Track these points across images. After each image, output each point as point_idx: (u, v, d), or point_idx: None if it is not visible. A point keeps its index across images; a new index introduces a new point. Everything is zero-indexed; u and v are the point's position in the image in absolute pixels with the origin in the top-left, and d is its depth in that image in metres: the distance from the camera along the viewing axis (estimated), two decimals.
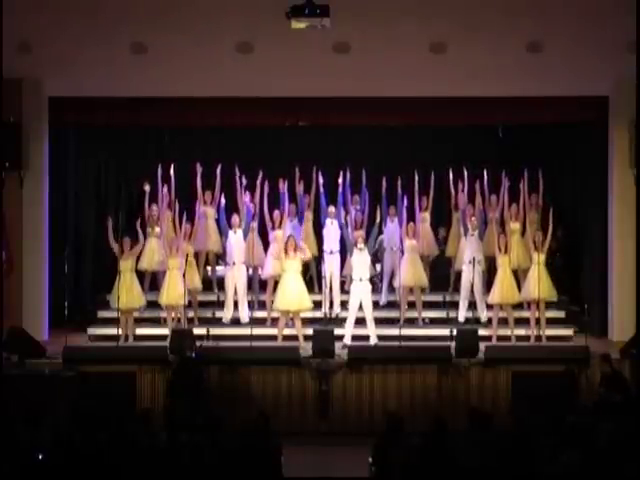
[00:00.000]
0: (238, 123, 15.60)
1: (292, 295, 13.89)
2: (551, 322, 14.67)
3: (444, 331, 14.26)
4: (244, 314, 14.67)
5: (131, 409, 11.86)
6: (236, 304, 14.78)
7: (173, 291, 14.06)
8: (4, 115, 12.89)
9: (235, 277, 14.72)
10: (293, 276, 13.95)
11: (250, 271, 15.01)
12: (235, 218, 14.92)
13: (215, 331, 14.32)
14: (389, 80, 14.28)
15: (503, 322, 14.26)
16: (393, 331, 13.92)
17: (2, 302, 12.28)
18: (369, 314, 13.95)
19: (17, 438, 8.13)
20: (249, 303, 14.80)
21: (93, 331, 14.58)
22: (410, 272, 14.55)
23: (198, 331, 13.86)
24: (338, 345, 13.45)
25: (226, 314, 14.75)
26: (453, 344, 13.41)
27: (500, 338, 14.13)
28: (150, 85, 14.44)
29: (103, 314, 15.03)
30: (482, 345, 13.28)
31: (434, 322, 14.96)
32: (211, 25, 13.35)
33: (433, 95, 14.75)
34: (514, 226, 14.95)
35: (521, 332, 14.21)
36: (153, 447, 8.38)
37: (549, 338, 14.19)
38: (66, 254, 14.91)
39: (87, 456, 8.00)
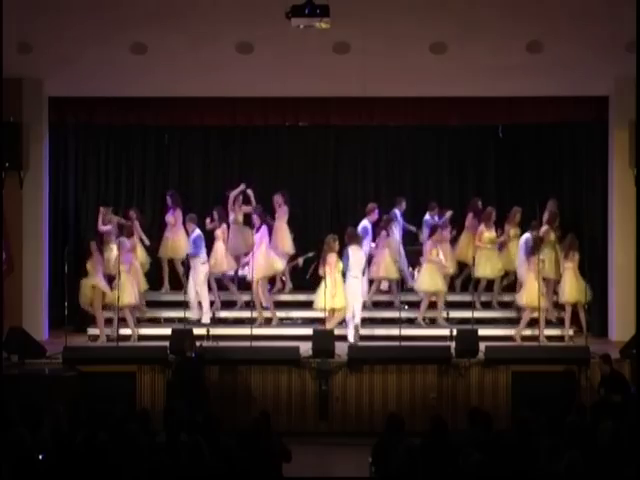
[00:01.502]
0: (238, 123, 15.61)
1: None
2: (551, 322, 14.71)
3: (444, 331, 14.26)
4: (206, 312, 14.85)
5: (131, 409, 11.84)
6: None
7: (121, 292, 14.14)
8: (4, 115, 12.88)
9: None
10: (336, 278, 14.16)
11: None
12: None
13: (215, 331, 14.33)
14: (389, 80, 14.28)
15: (501, 322, 14.30)
16: (393, 331, 13.93)
17: (2, 302, 12.28)
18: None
19: (17, 438, 8.11)
20: (247, 303, 14.88)
21: (93, 331, 14.58)
22: (427, 278, 14.72)
23: (198, 331, 13.85)
24: (339, 345, 13.44)
25: (202, 315, 14.83)
26: (453, 344, 13.41)
27: (525, 338, 14.24)
28: (150, 85, 14.46)
29: (103, 314, 15.03)
30: (482, 345, 13.27)
31: (434, 322, 14.97)
32: (211, 25, 13.35)
33: (433, 95, 14.77)
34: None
35: (549, 333, 14.29)
36: (153, 447, 8.38)
37: (549, 338, 14.21)
38: (66, 254, 14.89)
39: (87, 456, 7.99)
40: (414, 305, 15.32)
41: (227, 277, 15.51)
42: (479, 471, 7.63)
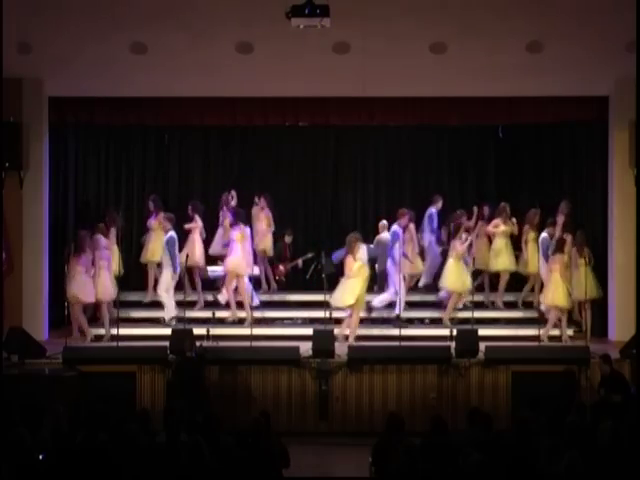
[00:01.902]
0: (238, 123, 15.62)
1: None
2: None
3: (444, 331, 14.27)
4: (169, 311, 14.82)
5: (131, 409, 11.84)
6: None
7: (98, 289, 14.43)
8: (4, 115, 12.87)
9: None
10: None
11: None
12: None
13: (215, 331, 14.33)
14: (389, 80, 14.28)
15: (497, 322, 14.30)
16: (393, 331, 13.94)
17: (2, 302, 12.27)
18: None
19: (17, 438, 8.12)
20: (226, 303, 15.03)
21: (93, 331, 14.58)
22: (454, 277, 14.77)
23: (198, 331, 13.85)
24: (339, 345, 13.43)
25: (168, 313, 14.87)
26: (453, 344, 13.41)
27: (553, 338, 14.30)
28: (150, 85, 14.45)
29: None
30: (482, 345, 13.27)
31: (434, 322, 14.97)
32: (211, 25, 13.33)
33: (433, 95, 14.78)
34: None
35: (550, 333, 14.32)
36: (153, 447, 8.38)
37: (549, 338, 14.21)
38: (66, 254, 14.89)
39: (87, 456, 7.99)
40: (415, 305, 15.34)
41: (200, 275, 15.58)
42: (479, 471, 7.63)
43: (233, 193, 15.87)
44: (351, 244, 14.17)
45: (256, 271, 15.37)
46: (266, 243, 15.82)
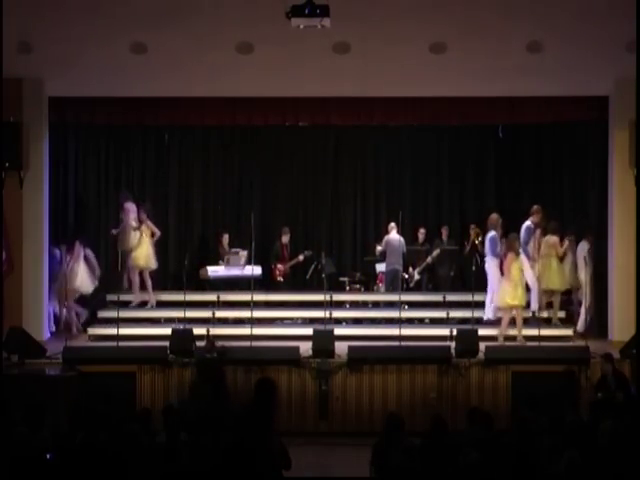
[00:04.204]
0: (238, 123, 15.63)
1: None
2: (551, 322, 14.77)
3: (444, 331, 14.26)
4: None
5: (131, 409, 11.83)
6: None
7: None
8: (4, 115, 12.88)
9: None
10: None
11: None
12: None
13: (215, 331, 14.33)
14: (389, 80, 14.28)
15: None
16: (393, 331, 13.94)
17: (2, 302, 12.26)
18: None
19: (17, 438, 8.12)
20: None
21: (93, 331, 14.60)
22: (559, 277, 14.88)
23: (198, 331, 13.84)
24: (339, 345, 13.42)
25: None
26: (453, 344, 13.41)
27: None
28: (150, 85, 14.46)
29: (103, 314, 15.08)
30: (482, 345, 13.27)
31: (434, 322, 14.97)
32: (211, 25, 13.34)
33: (433, 95, 14.78)
34: None
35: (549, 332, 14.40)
36: (153, 447, 8.38)
37: (549, 338, 14.22)
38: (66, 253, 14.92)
39: (87, 456, 7.99)
40: (415, 305, 15.34)
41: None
42: (479, 471, 7.63)
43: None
44: (512, 243, 14.17)
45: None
46: (145, 254, 15.57)
